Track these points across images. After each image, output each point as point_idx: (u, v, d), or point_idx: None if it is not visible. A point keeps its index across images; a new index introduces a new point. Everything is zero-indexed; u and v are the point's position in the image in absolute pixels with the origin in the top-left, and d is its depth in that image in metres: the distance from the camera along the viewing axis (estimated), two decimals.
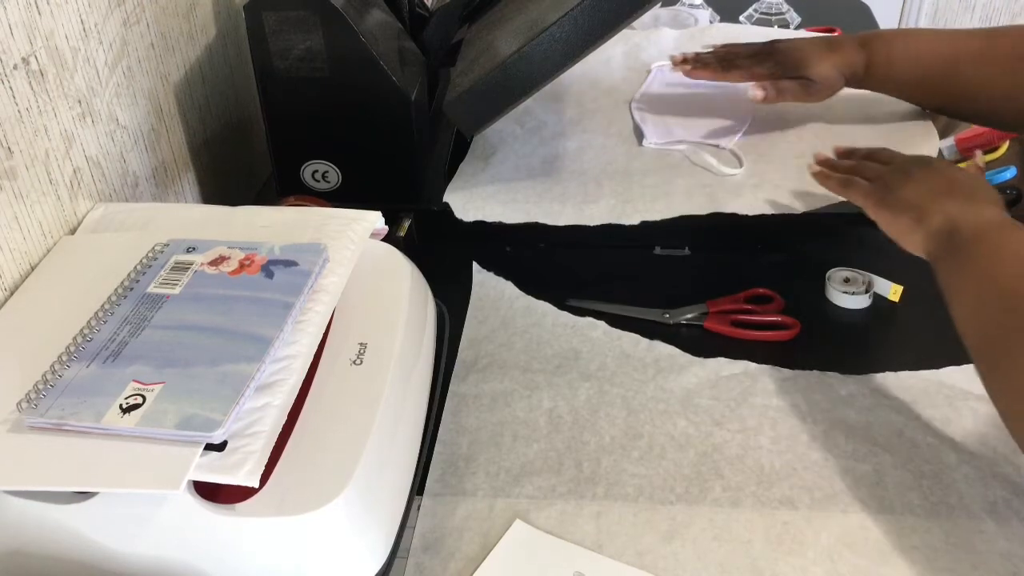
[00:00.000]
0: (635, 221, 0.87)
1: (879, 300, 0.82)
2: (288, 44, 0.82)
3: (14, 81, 0.64)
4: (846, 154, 0.85)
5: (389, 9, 0.94)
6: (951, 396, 0.71)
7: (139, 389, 0.52)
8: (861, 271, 0.83)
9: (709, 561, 0.59)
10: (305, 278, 0.60)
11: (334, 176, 0.90)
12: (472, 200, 0.91)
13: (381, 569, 0.54)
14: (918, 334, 0.79)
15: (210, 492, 0.51)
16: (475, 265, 0.88)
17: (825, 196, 0.87)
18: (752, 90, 0.95)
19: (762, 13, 1.34)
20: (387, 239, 0.72)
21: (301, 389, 0.55)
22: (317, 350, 0.58)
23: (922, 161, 0.78)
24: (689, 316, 0.81)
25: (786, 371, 0.74)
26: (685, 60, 1.00)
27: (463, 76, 0.90)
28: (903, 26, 2.36)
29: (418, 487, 0.63)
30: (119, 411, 0.51)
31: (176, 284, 0.60)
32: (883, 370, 0.74)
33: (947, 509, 0.62)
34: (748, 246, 0.90)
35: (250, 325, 0.56)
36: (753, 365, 0.75)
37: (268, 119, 0.88)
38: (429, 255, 0.78)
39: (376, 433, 0.55)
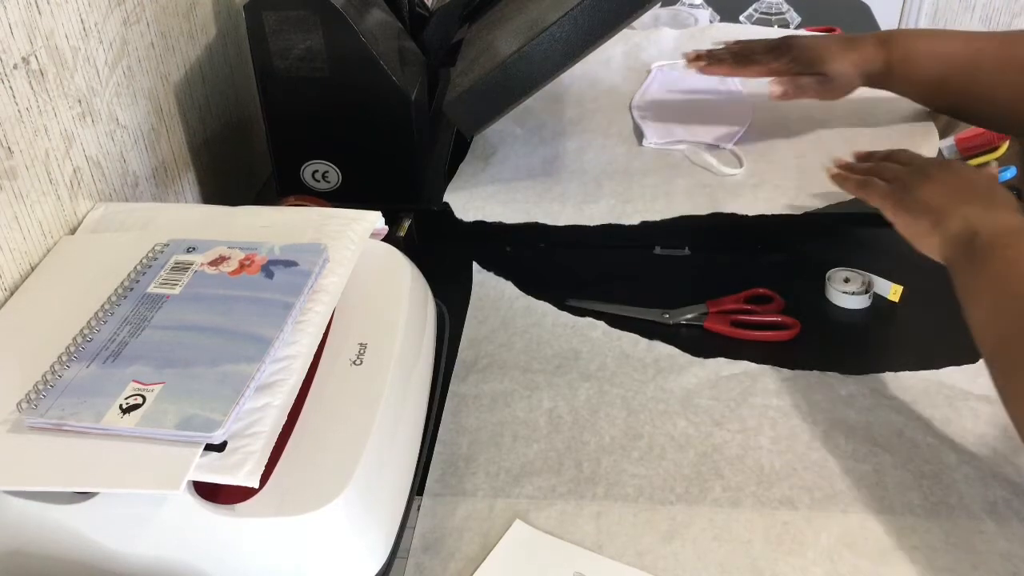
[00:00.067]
0: (635, 221, 0.87)
1: (879, 300, 0.82)
2: (288, 44, 0.82)
3: (14, 81, 0.64)
4: (865, 157, 0.83)
5: (389, 9, 0.94)
6: (951, 396, 0.71)
7: (139, 389, 0.52)
8: (861, 271, 0.83)
9: (709, 561, 0.59)
10: (305, 278, 0.60)
11: (334, 176, 0.90)
12: (472, 200, 0.91)
13: (381, 569, 0.54)
14: (918, 334, 0.79)
15: (210, 492, 0.51)
16: (475, 265, 0.88)
17: (825, 196, 0.87)
18: (771, 85, 0.93)
19: (762, 13, 1.34)
20: (387, 239, 0.72)
21: (301, 389, 0.55)
22: (317, 350, 0.58)
23: (941, 163, 0.76)
24: (689, 316, 0.81)
25: (786, 371, 0.74)
26: (698, 57, 0.98)
27: (463, 76, 0.90)
28: (903, 26, 2.36)
29: (418, 487, 0.63)
30: (119, 411, 0.51)
31: (176, 284, 0.60)
32: (883, 370, 0.74)
33: (947, 509, 0.62)
34: (748, 246, 0.90)
35: (250, 325, 0.56)
36: (753, 365, 0.75)
37: (268, 119, 0.88)
38: (429, 255, 0.78)
39: (376, 433, 0.55)
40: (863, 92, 0.97)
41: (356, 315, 0.63)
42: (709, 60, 0.97)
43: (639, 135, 1.01)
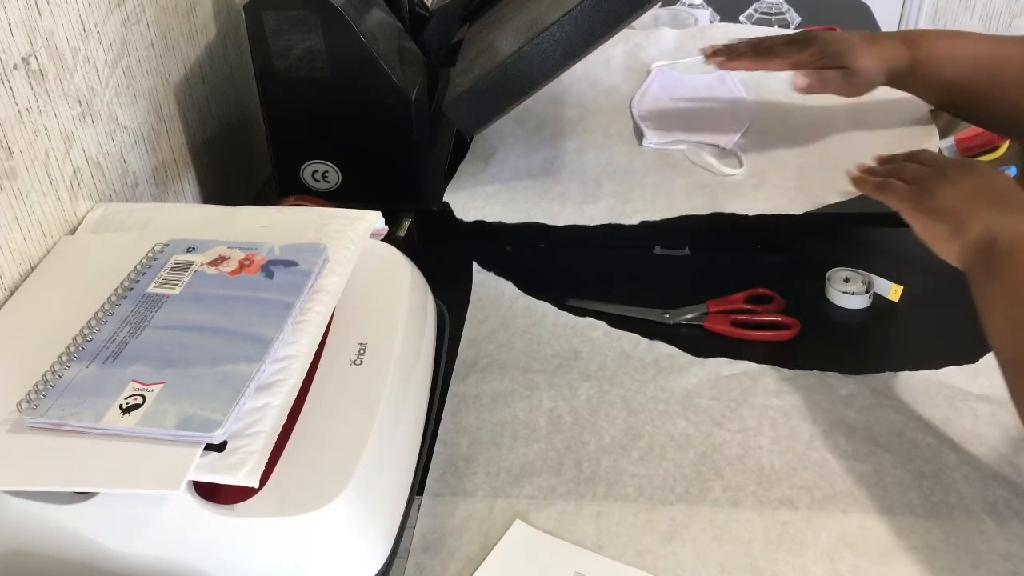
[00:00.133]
0: (635, 221, 0.87)
1: (879, 300, 0.82)
2: (288, 44, 0.82)
3: (14, 81, 0.64)
4: (886, 160, 0.81)
5: (389, 9, 0.94)
6: (951, 396, 0.71)
7: (139, 389, 0.52)
8: (861, 271, 0.83)
9: (709, 561, 0.59)
10: (305, 278, 0.60)
11: (334, 176, 0.90)
12: (472, 200, 0.91)
13: (381, 569, 0.54)
14: (918, 334, 0.79)
15: (210, 492, 0.51)
16: (475, 265, 0.88)
17: (825, 196, 0.87)
18: (796, 78, 0.92)
19: (762, 13, 1.34)
20: (387, 239, 0.72)
21: (301, 389, 0.55)
22: (317, 350, 0.58)
23: (962, 164, 0.74)
24: (689, 316, 0.81)
25: (786, 371, 0.74)
26: (716, 52, 0.95)
27: (463, 76, 0.90)
28: (903, 27, 2.36)
29: (418, 487, 0.63)
30: (119, 411, 0.51)
31: (176, 284, 0.60)
32: (883, 370, 0.74)
33: (947, 509, 0.62)
34: (748, 246, 0.90)
35: (250, 325, 0.56)
36: (753, 365, 0.75)
37: (268, 119, 0.88)
38: (429, 255, 0.78)
39: (376, 433, 0.55)
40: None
41: (356, 315, 0.63)
42: (728, 55, 0.95)
43: (639, 135, 1.01)
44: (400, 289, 0.66)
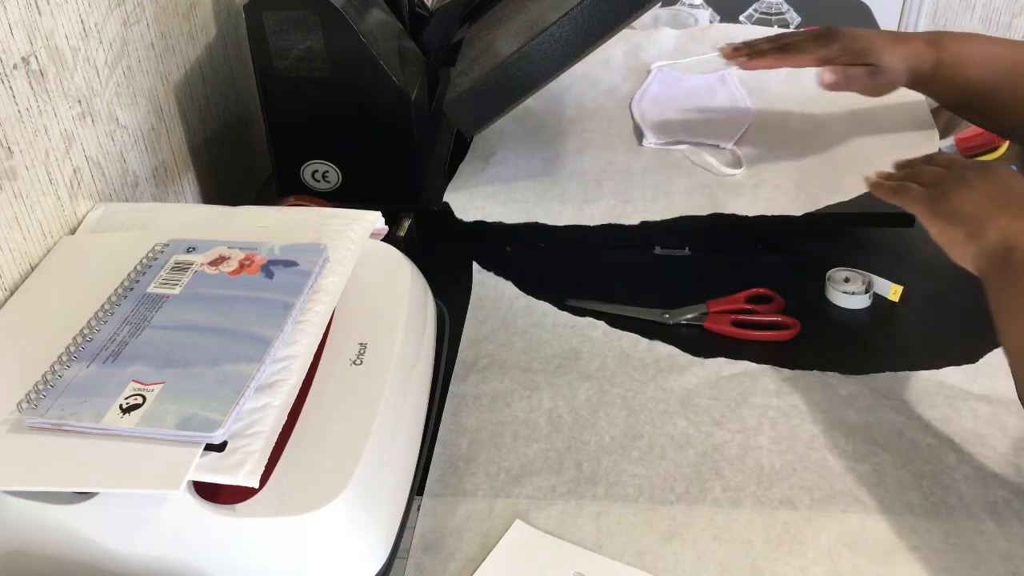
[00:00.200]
0: (635, 221, 0.87)
1: (879, 300, 0.82)
2: (288, 44, 0.82)
3: (14, 81, 0.64)
4: (904, 165, 0.79)
5: (389, 9, 0.94)
6: (951, 396, 0.71)
7: (139, 389, 0.52)
8: (861, 271, 0.83)
9: (709, 561, 0.59)
10: (305, 278, 0.60)
11: (334, 176, 0.90)
12: (472, 200, 0.91)
13: (381, 569, 0.54)
14: (918, 334, 0.79)
15: (210, 492, 0.51)
16: (475, 265, 0.88)
17: (825, 196, 0.87)
18: (823, 74, 0.90)
19: (762, 13, 1.34)
20: (387, 239, 0.72)
21: (301, 389, 0.55)
22: (317, 350, 0.58)
23: (981, 168, 0.73)
24: (689, 316, 0.81)
25: (786, 371, 0.74)
26: (736, 51, 0.93)
27: (463, 76, 0.90)
28: (903, 27, 2.36)
29: (418, 487, 0.63)
30: (119, 411, 0.51)
31: (176, 284, 0.60)
32: (883, 370, 0.74)
33: (947, 509, 0.62)
34: (748, 246, 0.90)
35: (250, 325, 0.56)
36: (753, 365, 0.75)
37: (268, 119, 0.88)
38: (429, 255, 0.78)
39: (376, 433, 0.55)
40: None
41: (356, 315, 0.63)
42: (749, 54, 0.93)
43: (639, 135, 1.01)
44: (400, 289, 0.66)
